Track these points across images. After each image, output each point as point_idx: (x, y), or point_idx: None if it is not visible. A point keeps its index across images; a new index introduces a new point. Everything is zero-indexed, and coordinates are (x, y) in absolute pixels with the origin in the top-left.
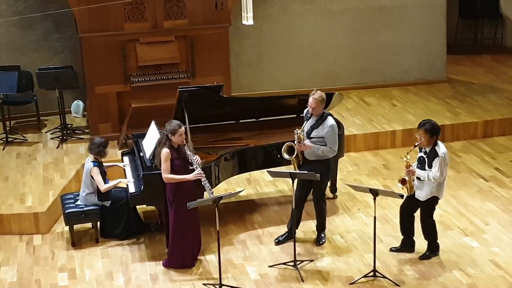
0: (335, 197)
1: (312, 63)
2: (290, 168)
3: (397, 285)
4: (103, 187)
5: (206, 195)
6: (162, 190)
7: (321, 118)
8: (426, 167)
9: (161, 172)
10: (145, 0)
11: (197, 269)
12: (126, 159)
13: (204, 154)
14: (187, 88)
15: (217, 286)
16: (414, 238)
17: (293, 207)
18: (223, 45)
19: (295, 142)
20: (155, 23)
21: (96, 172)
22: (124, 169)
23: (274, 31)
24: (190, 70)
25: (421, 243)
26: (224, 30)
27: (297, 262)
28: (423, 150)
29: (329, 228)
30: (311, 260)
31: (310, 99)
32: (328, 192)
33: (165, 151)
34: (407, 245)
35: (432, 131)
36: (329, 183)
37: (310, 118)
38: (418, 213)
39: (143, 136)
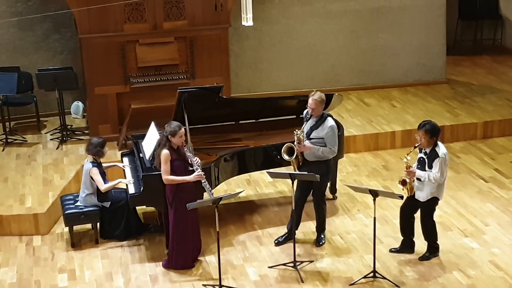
0: (335, 198)
1: (312, 64)
2: (290, 169)
3: (397, 286)
4: (103, 187)
5: (206, 196)
6: (161, 191)
7: (321, 119)
8: (426, 168)
9: (160, 173)
10: (145, 1)
11: (196, 270)
12: (126, 160)
13: (203, 155)
14: (187, 89)
15: (217, 287)
16: (414, 239)
17: (293, 208)
18: (223, 46)
19: (295, 143)
20: (154, 24)
21: (95, 172)
22: (124, 170)
23: (273, 33)
24: (189, 71)
25: (421, 244)
26: (224, 31)
27: (297, 263)
28: (423, 151)
29: (329, 229)
30: (311, 261)
31: (310, 100)
32: (328, 193)
33: (165, 152)
34: (407, 246)
35: (432, 132)
36: (329, 184)
37: (309, 119)
38: (418, 214)
39: (142, 137)
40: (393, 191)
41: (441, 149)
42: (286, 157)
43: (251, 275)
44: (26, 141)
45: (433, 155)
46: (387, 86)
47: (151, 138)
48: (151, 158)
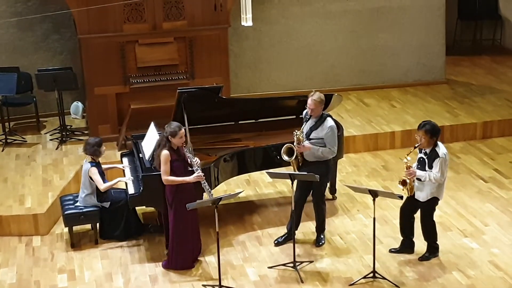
0: (334, 198)
1: (311, 65)
2: (289, 169)
3: (396, 286)
4: (102, 186)
5: (205, 196)
6: (161, 192)
7: (320, 119)
8: (427, 168)
9: (160, 174)
10: (144, 2)
11: (196, 270)
12: (125, 160)
13: (203, 155)
14: (187, 89)
15: (217, 287)
16: (414, 239)
17: (293, 208)
18: (222, 46)
19: (295, 143)
20: (154, 24)
21: (94, 172)
22: (124, 170)
23: (273, 33)
24: (189, 71)
25: (420, 244)
26: (223, 32)
27: (297, 263)
28: (423, 151)
29: (328, 229)
30: (311, 261)
31: (309, 101)
32: (327, 193)
33: (164, 153)
34: (406, 246)
35: (432, 132)
36: (328, 184)
37: (309, 119)
38: (417, 214)
39: (142, 137)
40: (392, 191)
41: (441, 149)
42: (285, 157)
43: (251, 275)
44: (26, 141)
45: (433, 155)
46: (386, 86)
47: (151, 138)
48: (150, 159)
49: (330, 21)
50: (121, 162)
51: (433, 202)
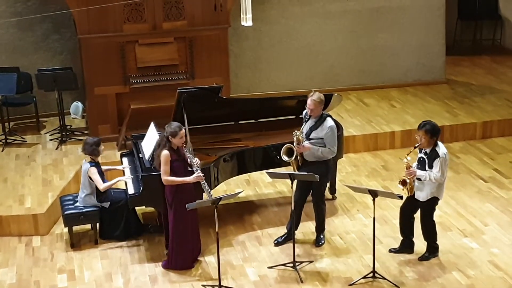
0: (334, 198)
1: (311, 65)
2: (289, 169)
3: (396, 286)
4: (101, 186)
5: (205, 196)
6: (161, 192)
7: (320, 119)
8: (427, 168)
9: (160, 174)
10: (144, 2)
11: (196, 271)
12: (125, 160)
13: (203, 155)
14: (186, 89)
15: (216, 287)
16: (414, 239)
17: (293, 208)
18: (222, 46)
19: (294, 144)
20: (154, 25)
21: (93, 172)
22: (123, 171)
23: (273, 33)
24: (189, 71)
25: (420, 244)
26: (223, 32)
27: (297, 263)
28: (423, 151)
29: (328, 229)
30: (311, 261)
31: (309, 101)
32: (327, 193)
33: (165, 153)
34: (406, 246)
35: (433, 132)
36: (328, 184)
37: (309, 119)
38: (417, 214)
39: (142, 137)
40: (392, 191)
41: (441, 149)
42: (285, 158)
43: (251, 275)
44: (26, 141)
45: (433, 155)
46: (386, 86)
47: (151, 138)
48: (150, 159)
49: (330, 21)
50: (121, 162)
51: (433, 202)
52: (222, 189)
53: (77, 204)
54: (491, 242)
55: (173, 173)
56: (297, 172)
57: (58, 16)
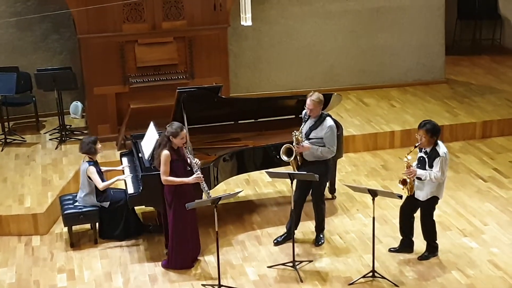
0: (334, 197)
1: (311, 65)
2: (289, 169)
3: (396, 285)
4: (100, 185)
5: (204, 196)
6: (160, 191)
7: (320, 119)
8: (427, 167)
9: (160, 173)
10: (143, 1)
11: (196, 270)
12: (124, 160)
13: (203, 155)
14: (186, 89)
15: (216, 287)
16: (413, 238)
17: (292, 208)
18: (222, 46)
19: (294, 144)
20: (153, 24)
21: (92, 171)
22: (123, 171)
23: (272, 33)
24: (188, 71)
25: (420, 243)
26: (223, 31)
27: (296, 263)
28: (423, 150)
29: (328, 229)
30: (310, 261)
31: (308, 101)
32: (327, 193)
33: (165, 153)
34: (406, 245)
35: (433, 131)
36: (328, 184)
37: (308, 119)
38: (417, 213)
39: (142, 137)
40: (392, 191)
41: (442, 148)
42: (285, 158)
43: (250, 275)
44: (25, 141)
45: (433, 154)
46: (386, 86)
47: (150, 138)
48: (150, 158)
49: (330, 21)
50: (121, 161)
51: (433, 201)
52: (221, 189)
53: (77, 203)
54: (491, 242)
55: (172, 173)
56: (296, 172)
57: (57, 16)
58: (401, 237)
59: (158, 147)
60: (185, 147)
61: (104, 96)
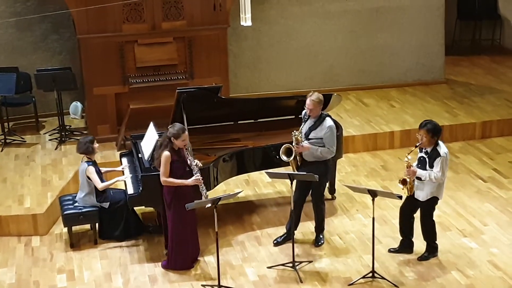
0: (333, 198)
1: (311, 65)
2: (288, 169)
3: (395, 286)
4: (100, 185)
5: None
6: (160, 192)
7: (319, 119)
8: (427, 167)
9: (159, 174)
10: (143, 2)
11: (195, 270)
12: (124, 160)
13: (202, 155)
14: (186, 89)
15: (216, 287)
16: (413, 239)
17: (292, 208)
18: (222, 46)
19: (293, 144)
20: (153, 24)
21: (91, 171)
22: (123, 171)
23: (272, 33)
24: (188, 71)
25: (419, 244)
26: (223, 32)
27: (296, 263)
28: (424, 150)
29: (327, 229)
30: (310, 261)
31: (308, 101)
32: (326, 193)
33: (166, 154)
34: (405, 246)
35: (434, 131)
36: (327, 184)
37: (308, 119)
38: (417, 214)
39: (141, 137)
40: (391, 191)
41: (442, 148)
42: (284, 158)
43: (250, 275)
44: (25, 141)
45: (434, 155)
46: (386, 86)
47: (150, 138)
48: (150, 159)
49: (330, 21)
50: (120, 162)
51: (432, 201)
52: (221, 189)
53: (77, 204)
54: (491, 242)
55: (172, 173)
56: (296, 172)
57: (57, 16)
58: (400, 238)
59: (159, 147)
60: (186, 149)
61: (103, 97)
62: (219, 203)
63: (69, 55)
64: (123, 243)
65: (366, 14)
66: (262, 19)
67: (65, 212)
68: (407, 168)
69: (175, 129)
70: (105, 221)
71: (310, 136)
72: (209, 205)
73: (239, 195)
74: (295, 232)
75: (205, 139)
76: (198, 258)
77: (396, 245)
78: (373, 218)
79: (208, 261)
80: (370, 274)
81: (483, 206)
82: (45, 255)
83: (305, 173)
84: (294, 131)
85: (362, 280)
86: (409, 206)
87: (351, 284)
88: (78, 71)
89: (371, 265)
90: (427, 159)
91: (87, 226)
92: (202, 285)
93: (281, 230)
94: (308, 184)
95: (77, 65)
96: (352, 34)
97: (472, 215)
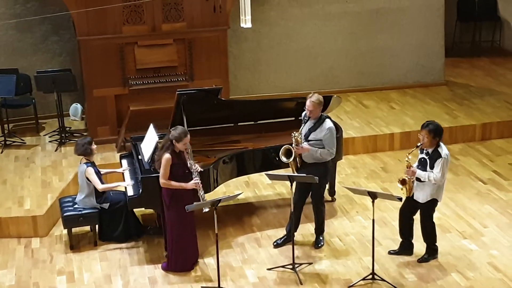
0: (333, 200)
1: (310, 66)
2: (288, 171)
3: None
4: (100, 186)
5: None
6: (160, 193)
7: (319, 121)
8: (428, 168)
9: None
10: (143, 3)
11: (195, 272)
12: (124, 162)
13: (202, 157)
14: (186, 91)
15: None
16: (413, 241)
17: (292, 210)
18: (222, 48)
19: (293, 145)
20: (153, 26)
21: (90, 172)
22: (123, 174)
23: (272, 35)
24: (188, 73)
25: (419, 246)
26: (223, 33)
27: (296, 265)
28: (425, 151)
29: (327, 231)
30: (310, 263)
31: (308, 102)
32: (326, 195)
33: (166, 156)
34: (405, 247)
35: (436, 132)
36: (327, 186)
37: (308, 121)
38: (417, 215)
39: (141, 139)
40: (391, 193)
41: (444, 150)
42: (284, 159)
43: (250, 277)
44: (25, 143)
45: (435, 156)
46: (385, 88)
47: (150, 140)
48: (149, 160)
49: (329, 22)
50: (120, 164)
51: (432, 203)
52: (221, 191)
53: (76, 205)
54: (490, 244)
55: (171, 175)
56: (296, 174)
57: (57, 17)
58: (400, 240)
59: (160, 149)
60: (187, 152)
61: (103, 98)
62: (219, 205)
63: (69, 56)
64: (123, 245)
65: (366, 15)
66: (262, 20)
67: (65, 214)
68: (407, 168)
69: (177, 132)
70: (105, 222)
71: (309, 138)
72: (208, 208)
73: (239, 197)
74: (295, 234)
75: (205, 141)
76: (198, 260)
77: (396, 247)
78: (373, 220)
79: (208, 262)
80: (370, 276)
81: (483, 208)
82: (45, 257)
83: (305, 175)
84: (294, 132)
85: (362, 282)
86: (409, 208)
87: (351, 286)
88: (78, 73)
89: (371, 267)
90: (427, 160)
91: (87, 228)
92: (202, 287)
93: (281, 232)
94: (308, 186)
95: (77, 67)
96: (352, 36)
97: (472, 217)
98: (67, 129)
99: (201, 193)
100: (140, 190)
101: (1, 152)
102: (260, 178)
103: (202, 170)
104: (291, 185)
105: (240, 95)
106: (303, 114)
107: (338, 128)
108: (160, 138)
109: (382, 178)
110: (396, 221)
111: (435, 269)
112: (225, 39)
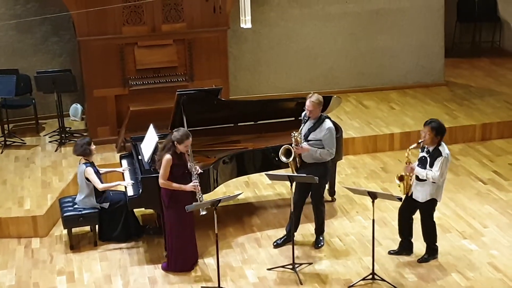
0: (333, 200)
1: (310, 67)
2: (288, 171)
3: None
4: (100, 185)
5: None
6: (160, 193)
7: (319, 121)
8: (428, 167)
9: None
10: (143, 4)
11: (195, 272)
12: (124, 162)
13: (202, 157)
14: (186, 91)
15: None
16: (413, 241)
17: (292, 210)
18: (222, 48)
19: (293, 145)
20: (153, 27)
21: (90, 172)
22: (123, 174)
23: (272, 35)
24: (188, 73)
25: (419, 246)
26: (223, 34)
27: (296, 265)
28: (425, 149)
29: (327, 231)
30: (310, 263)
31: (307, 102)
32: (326, 195)
33: (167, 157)
34: (405, 247)
35: (438, 130)
36: (327, 186)
37: (307, 121)
38: (416, 215)
39: (141, 139)
40: (391, 193)
41: (445, 149)
42: (283, 159)
43: (250, 277)
44: (25, 143)
45: (436, 154)
46: (385, 88)
47: (150, 140)
48: (149, 161)
49: (329, 23)
50: (120, 164)
51: (431, 203)
52: (221, 191)
53: (76, 206)
54: (490, 244)
55: (171, 175)
56: (296, 174)
57: (57, 18)
58: (400, 239)
59: (161, 149)
60: (188, 154)
61: (103, 99)
62: (219, 205)
63: (69, 57)
64: (123, 245)
65: (366, 16)
66: (262, 21)
67: (65, 214)
68: (406, 164)
69: (180, 134)
70: (104, 222)
71: (309, 138)
72: (206, 210)
73: (239, 197)
74: (295, 234)
75: (205, 141)
76: (198, 260)
77: (396, 247)
78: (373, 220)
79: (208, 263)
80: (370, 276)
81: (483, 208)
82: (45, 257)
83: (304, 175)
84: (294, 132)
85: (362, 282)
86: (408, 208)
87: (351, 286)
88: (78, 73)
89: (371, 267)
90: (428, 158)
91: (87, 228)
92: (202, 287)
93: (281, 232)
94: (307, 186)
95: (77, 67)
96: (352, 36)
97: (472, 217)
98: (67, 129)
99: (199, 196)
100: (140, 190)
101: (1, 152)
102: (260, 178)
103: (202, 172)
104: (291, 185)
105: (240, 96)
106: (303, 114)
107: (338, 128)
108: (160, 138)
109: (382, 178)
110: (396, 221)
111: (435, 269)
112: (225, 40)
